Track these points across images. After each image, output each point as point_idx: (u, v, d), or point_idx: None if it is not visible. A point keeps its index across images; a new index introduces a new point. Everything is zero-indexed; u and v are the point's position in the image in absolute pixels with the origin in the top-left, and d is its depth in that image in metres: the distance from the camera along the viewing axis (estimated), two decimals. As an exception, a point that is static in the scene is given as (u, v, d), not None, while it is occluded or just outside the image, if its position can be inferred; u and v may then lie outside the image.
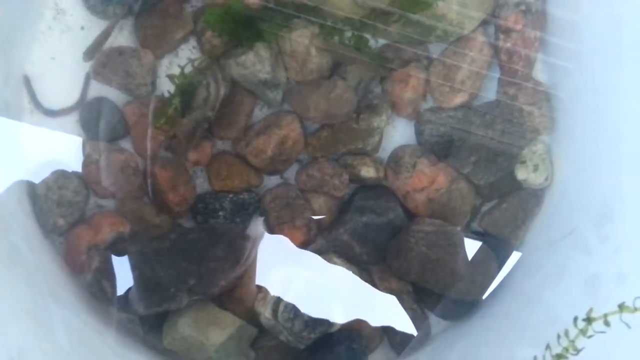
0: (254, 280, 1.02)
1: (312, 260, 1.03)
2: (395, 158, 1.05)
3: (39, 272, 0.94)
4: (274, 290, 1.01)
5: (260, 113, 1.06)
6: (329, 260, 1.03)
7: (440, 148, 1.05)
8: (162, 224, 1.05)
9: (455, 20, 1.01)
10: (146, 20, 1.03)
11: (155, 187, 1.02)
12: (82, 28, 1.03)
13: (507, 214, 1.05)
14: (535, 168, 1.03)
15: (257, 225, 1.04)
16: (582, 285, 0.88)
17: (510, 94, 1.05)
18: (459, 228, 1.04)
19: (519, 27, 1.02)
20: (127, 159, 1.03)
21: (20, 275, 0.89)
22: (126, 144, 1.05)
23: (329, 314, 1.01)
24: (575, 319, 0.78)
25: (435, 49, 1.06)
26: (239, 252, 1.01)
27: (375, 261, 1.06)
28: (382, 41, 1.05)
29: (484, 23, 1.04)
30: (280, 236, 1.04)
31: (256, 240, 1.03)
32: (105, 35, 1.01)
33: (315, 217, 1.05)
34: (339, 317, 1.02)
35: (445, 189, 1.03)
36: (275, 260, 1.04)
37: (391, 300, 1.03)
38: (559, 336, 0.78)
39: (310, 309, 1.01)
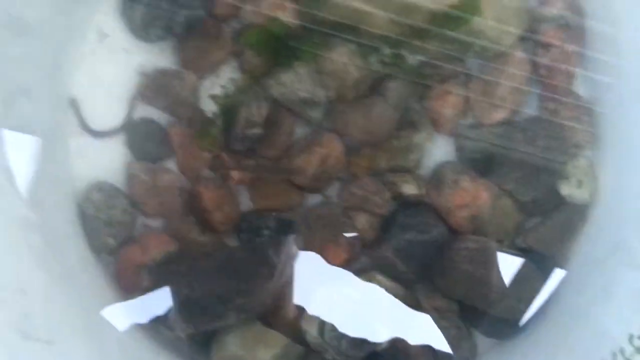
0: (293, 299, 1.03)
1: (350, 278, 1.03)
2: (437, 175, 1.06)
3: (91, 291, 0.96)
4: (313, 310, 1.02)
5: (300, 131, 1.07)
6: (372, 278, 1.04)
7: (482, 164, 1.05)
8: (207, 242, 1.06)
9: (493, 36, 1.01)
10: (187, 42, 1.05)
11: (199, 206, 1.04)
12: (126, 51, 1.05)
13: (552, 230, 1.04)
14: (579, 184, 1.02)
15: (290, 242, 1.04)
16: (633, 302, 0.88)
17: (550, 110, 1.04)
18: (502, 244, 1.03)
19: (558, 42, 1.02)
20: (172, 178, 1.05)
21: (75, 295, 0.91)
22: (171, 164, 1.07)
23: (371, 334, 1.02)
24: (631, 337, 0.77)
25: (473, 65, 1.06)
26: (271, 268, 1.02)
27: (419, 279, 1.06)
28: (419, 58, 1.05)
29: (522, 38, 1.04)
30: (317, 254, 1.05)
31: (290, 257, 1.04)
32: (133, 104, 1.03)
33: (354, 235, 1.06)
34: (382, 336, 1.02)
35: (488, 205, 1.03)
36: (313, 279, 1.04)
37: (435, 319, 1.02)
38: (614, 354, 0.77)
39: (351, 328, 1.01)
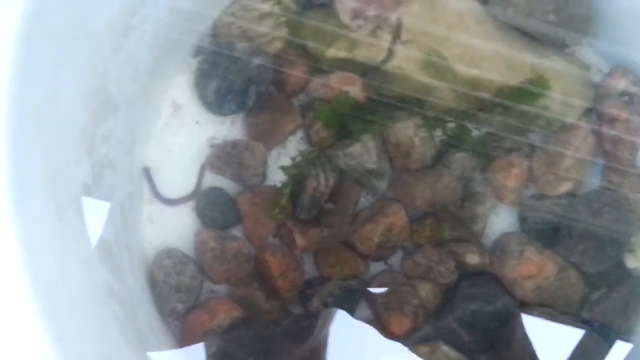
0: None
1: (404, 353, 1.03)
2: (501, 245, 1.07)
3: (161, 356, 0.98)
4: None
5: (364, 200, 1.10)
6: (437, 348, 1.04)
7: (546, 235, 1.06)
8: (272, 309, 1.08)
9: (559, 109, 1.03)
10: (258, 115, 1.09)
11: (265, 273, 1.06)
12: (197, 122, 1.10)
13: (618, 303, 1.04)
14: (646, 257, 1.03)
15: (328, 312, 1.05)
16: None
17: (615, 182, 1.05)
18: (568, 316, 1.03)
19: (623, 116, 1.03)
20: (239, 246, 1.07)
21: (147, 360, 0.93)
22: (237, 231, 1.09)
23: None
24: None
25: (537, 137, 1.08)
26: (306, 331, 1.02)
27: (483, 350, 1.06)
28: (484, 130, 1.07)
29: (587, 112, 1.06)
30: (380, 322, 1.06)
31: (327, 321, 1.04)
32: (202, 173, 1.08)
33: (418, 304, 1.06)
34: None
35: (554, 277, 1.04)
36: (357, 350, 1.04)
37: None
38: None
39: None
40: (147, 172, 1.09)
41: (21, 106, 0.59)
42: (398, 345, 1.05)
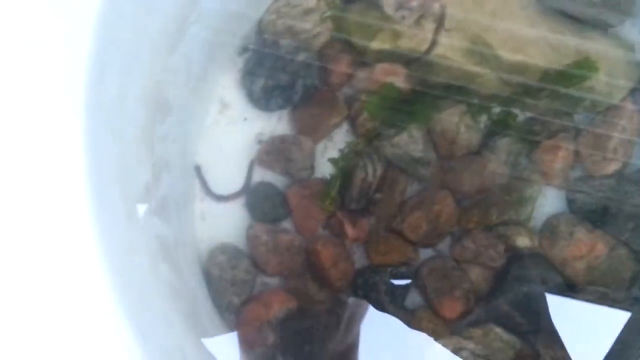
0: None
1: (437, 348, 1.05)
2: (550, 227, 1.08)
3: (221, 350, 1.01)
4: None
5: (410, 189, 1.11)
6: (490, 331, 1.05)
7: (594, 216, 1.07)
8: (325, 299, 1.10)
9: (604, 90, 1.04)
10: (304, 110, 1.10)
11: (317, 263, 1.08)
12: (245, 119, 1.12)
13: (669, 279, 1.05)
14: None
15: (360, 303, 1.07)
16: None
17: (661, 160, 1.06)
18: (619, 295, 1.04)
19: (668, 94, 1.04)
20: (291, 238, 1.09)
21: (209, 355, 0.95)
22: (287, 224, 1.11)
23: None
24: None
25: (581, 118, 1.08)
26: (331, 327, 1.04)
27: (535, 331, 1.07)
28: (529, 114, 1.08)
29: (632, 91, 1.06)
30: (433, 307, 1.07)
31: (358, 316, 1.06)
32: (252, 169, 1.10)
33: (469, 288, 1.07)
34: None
35: (605, 256, 1.05)
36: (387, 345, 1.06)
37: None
38: None
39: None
40: (197, 170, 1.11)
41: (96, 108, 0.61)
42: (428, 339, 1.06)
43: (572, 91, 1.03)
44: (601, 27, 1.06)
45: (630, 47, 1.07)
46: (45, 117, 0.60)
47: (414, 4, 1.02)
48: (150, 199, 0.84)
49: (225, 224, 1.12)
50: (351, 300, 1.08)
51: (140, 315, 0.68)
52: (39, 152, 0.61)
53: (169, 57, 0.82)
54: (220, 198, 1.12)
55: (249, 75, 1.09)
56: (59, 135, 0.59)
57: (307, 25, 1.05)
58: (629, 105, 1.04)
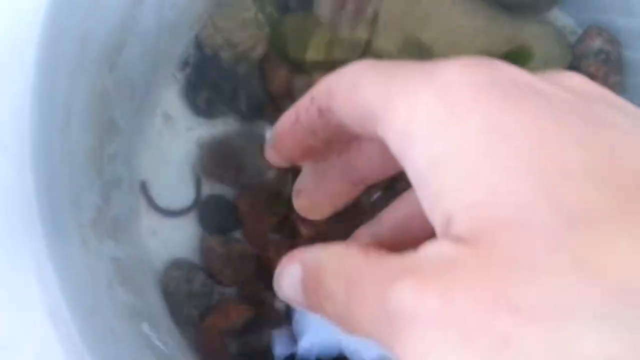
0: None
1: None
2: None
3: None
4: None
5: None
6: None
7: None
8: (281, 305, 1.11)
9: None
10: (249, 120, 1.11)
11: (271, 270, 1.09)
12: (190, 129, 1.11)
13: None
14: None
15: None
16: None
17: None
18: None
19: (600, 74, 1.08)
20: (243, 247, 1.10)
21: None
22: (238, 234, 1.12)
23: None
24: None
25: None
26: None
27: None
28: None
29: (566, 73, 1.10)
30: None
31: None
32: (199, 180, 1.12)
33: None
34: None
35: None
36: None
37: None
38: None
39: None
40: (143, 187, 1.10)
41: (43, 130, 0.61)
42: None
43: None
44: (533, 13, 1.09)
45: (561, 30, 1.11)
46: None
47: (349, 7, 1.03)
48: (102, 221, 0.83)
49: (177, 238, 1.12)
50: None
51: (103, 340, 0.67)
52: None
53: (111, 73, 0.81)
54: (167, 213, 1.11)
55: (192, 88, 1.09)
56: (5, 160, 0.58)
57: (244, 36, 1.05)
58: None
